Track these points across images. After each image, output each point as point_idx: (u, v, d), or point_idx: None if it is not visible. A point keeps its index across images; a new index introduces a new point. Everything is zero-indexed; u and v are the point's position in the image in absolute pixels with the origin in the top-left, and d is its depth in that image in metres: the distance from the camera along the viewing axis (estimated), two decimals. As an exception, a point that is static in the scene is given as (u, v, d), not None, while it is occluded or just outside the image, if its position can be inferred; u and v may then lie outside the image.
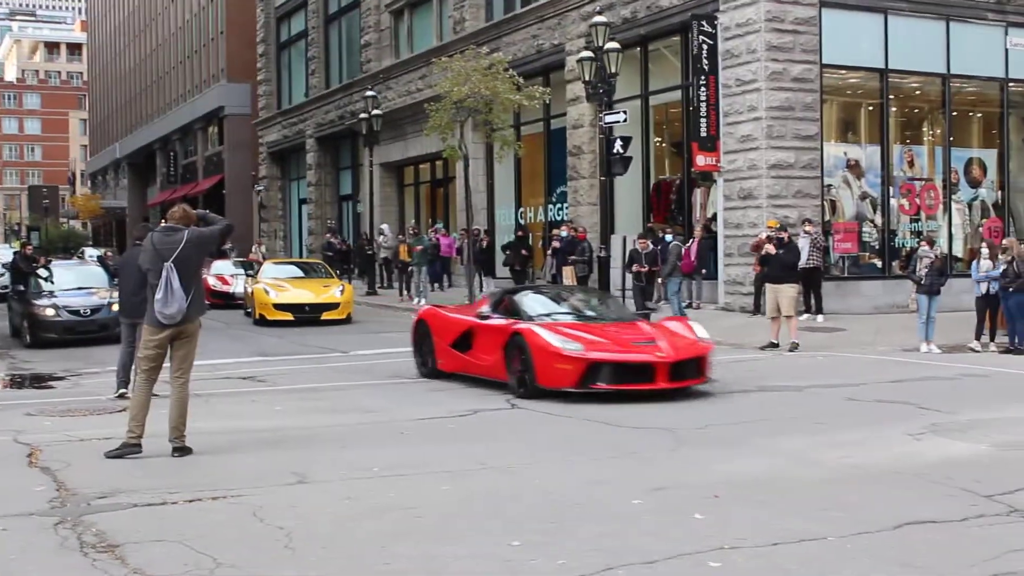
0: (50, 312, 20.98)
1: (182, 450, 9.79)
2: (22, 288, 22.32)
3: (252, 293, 26.54)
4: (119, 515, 7.64)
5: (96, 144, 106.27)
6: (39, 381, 16.56)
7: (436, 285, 32.83)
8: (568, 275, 24.76)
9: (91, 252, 61.57)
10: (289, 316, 25.27)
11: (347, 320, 25.81)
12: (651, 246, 21.17)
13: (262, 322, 25.32)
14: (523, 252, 27.99)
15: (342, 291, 26.41)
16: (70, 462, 9.50)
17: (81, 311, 20.89)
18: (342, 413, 12.51)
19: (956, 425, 11.08)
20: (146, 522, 7.43)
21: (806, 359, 17.68)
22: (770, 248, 19.25)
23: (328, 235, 40.56)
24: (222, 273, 33.07)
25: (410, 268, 31.28)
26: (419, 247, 30.31)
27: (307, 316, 25.44)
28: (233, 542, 6.95)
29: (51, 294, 21.58)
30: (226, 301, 30.88)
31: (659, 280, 22.36)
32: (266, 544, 6.90)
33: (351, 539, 7.00)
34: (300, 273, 28.98)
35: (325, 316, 25.58)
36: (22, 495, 8.28)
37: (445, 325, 15.59)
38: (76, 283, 22.31)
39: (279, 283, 26.75)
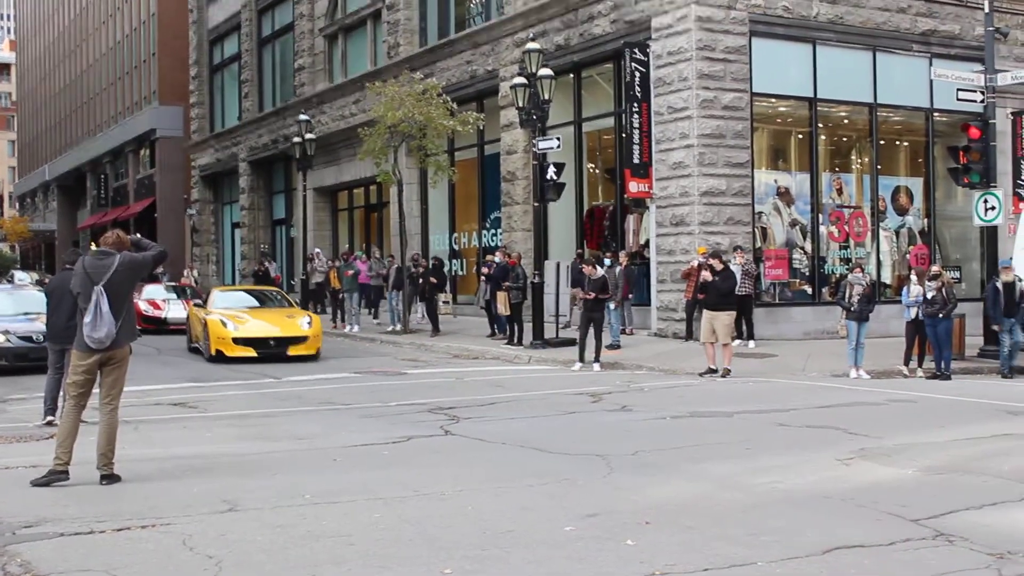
0: None
1: (110, 478, 9.66)
2: None
3: (206, 325, 23.03)
4: (45, 545, 7.52)
5: (24, 166, 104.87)
6: (-37, 407, 16.23)
7: (372, 311, 32.69)
8: (502, 301, 24.79)
9: (20, 275, 60.54)
10: (251, 352, 22.29)
11: (316, 356, 22.96)
12: (599, 271, 20.95)
13: (219, 359, 22.29)
14: (433, 280, 27.66)
15: (310, 323, 23.45)
16: (-5, 491, 9.35)
17: (33, 337, 19.72)
18: (274, 440, 12.42)
19: (883, 450, 11.23)
20: (73, 552, 7.33)
21: (737, 385, 17.84)
22: (706, 275, 19.39)
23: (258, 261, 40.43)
24: (154, 298, 32.39)
25: (341, 295, 31.16)
26: (349, 272, 30.19)
27: (272, 351, 22.47)
28: (161, 572, 6.87)
29: None
30: (158, 326, 30.47)
31: (611, 306, 22.41)
32: (196, 573, 6.83)
33: (282, 567, 6.94)
34: (255, 302, 25.66)
35: (292, 351, 22.58)
36: (-55, 525, 8.13)
37: None
38: (18, 309, 21.28)
39: (236, 314, 23.54)
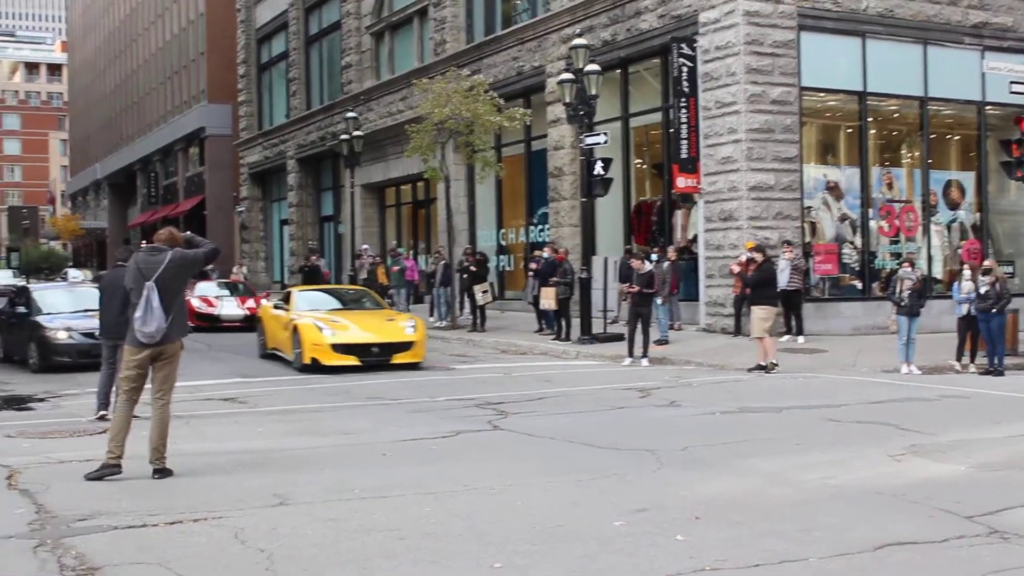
0: (63, 335, 20.08)
1: (162, 472, 9.75)
2: (24, 311, 21.41)
3: (296, 330, 20.48)
4: (99, 538, 7.60)
5: (76, 165, 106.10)
6: (18, 403, 16.44)
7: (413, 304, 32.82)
8: (549, 296, 24.75)
9: (74, 273, 61.14)
10: (354, 360, 19.82)
11: (420, 364, 20.68)
12: (647, 266, 20.92)
13: (315, 368, 19.79)
14: (472, 269, 27.52)
15: (414, 326, 20.86)
16: (49, 484, 9.45)
17: (95, 334, 18.45)
18: (323, 435, 12.48)
19: (936, 446, 11.12)
20: (126, 545, 7.40)
21: (786, 380, 17.72)
22: (733, 267, 19.29)
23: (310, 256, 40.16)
24: (206, 295, 32.00)
25: (390, 291, 31.23)
26: (396, 267, 30.25)
27: (375, 360, 20.10)
28: (214, 565, 6.92)
29: (60, 317, 20.66)
30: (211, 323, 30.24)
31: (658, 301, 22.35)
32: (247, 567, 6.88)
33: (333, 561, 6.97)
34: (344, 304, 23.10)
35: (397, 359, 20.19)
36: (1, 518, 8.23)
37: None
38: (77, 306, 21.14)
39: (330, 317, 21.12)
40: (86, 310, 20.51)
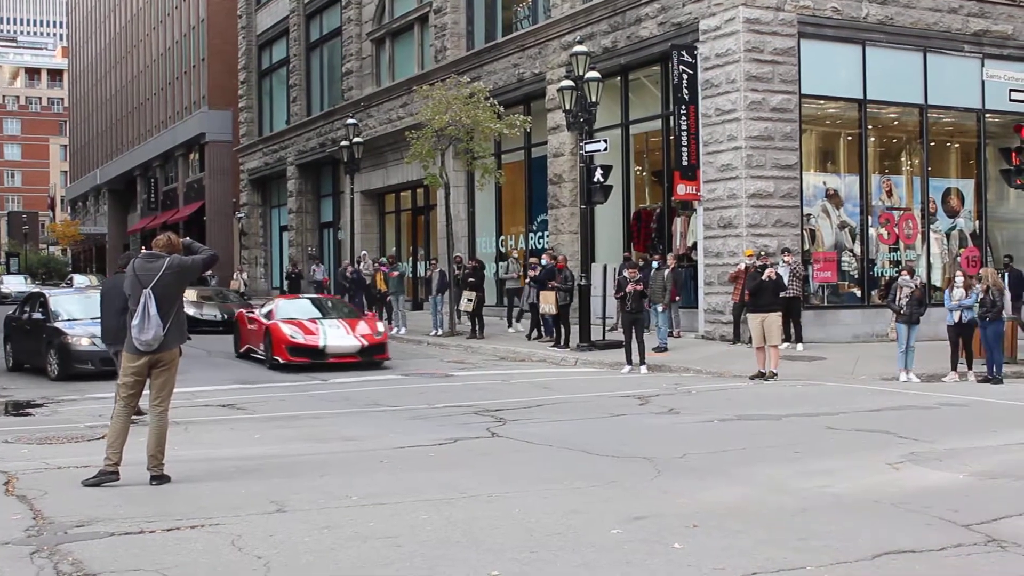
0: (85, 342, 19.45)
1: (160, 478, 9.74)
2: (41, 317, 20.86)
3: None
4: (96, 544, 7.59)
5: (76, 170, 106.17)
6: (17, 408, 16.42)
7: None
8: (548, 300, 24.70)
9: (79, 279, 61.04)
10: None
11: None
12: (639, 275, 21.09)
13: None
14: (471, 280, 27.47)
15: None
16: (47, 490, 9.44)
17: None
18: (321, 441, 12.47)
19: (934, 454, 11.11)
20: (123, 551, 7.39)
21: (785, 388, 17.72)
22: (771, 272, 19.32)
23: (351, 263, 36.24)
24: (298, 318, 22.95)
25: (388, 297, 31.10)
26: (395, 273, 30.17)
27: None
28: (211, 572, 6.91)
29: (80, 323, 20.00)
30: (313, 359, 21.81)
31: (659, 308, 22.41)
32: (244, 573, 6.86)
33: (330, 568, 6.96)
34: None
35: None
36: (-2, 524, 8.23)
37: None
38: (94, 312, 19.30)
39: None
40: (94, 318, 20.02)
